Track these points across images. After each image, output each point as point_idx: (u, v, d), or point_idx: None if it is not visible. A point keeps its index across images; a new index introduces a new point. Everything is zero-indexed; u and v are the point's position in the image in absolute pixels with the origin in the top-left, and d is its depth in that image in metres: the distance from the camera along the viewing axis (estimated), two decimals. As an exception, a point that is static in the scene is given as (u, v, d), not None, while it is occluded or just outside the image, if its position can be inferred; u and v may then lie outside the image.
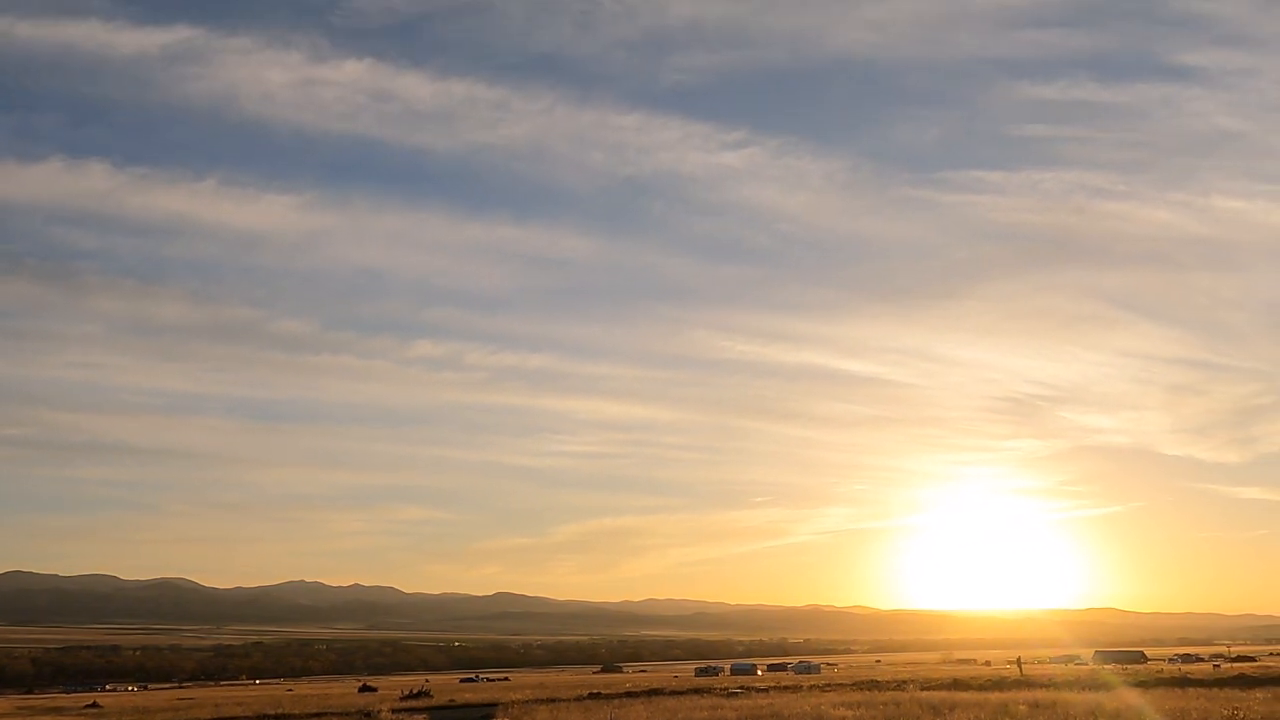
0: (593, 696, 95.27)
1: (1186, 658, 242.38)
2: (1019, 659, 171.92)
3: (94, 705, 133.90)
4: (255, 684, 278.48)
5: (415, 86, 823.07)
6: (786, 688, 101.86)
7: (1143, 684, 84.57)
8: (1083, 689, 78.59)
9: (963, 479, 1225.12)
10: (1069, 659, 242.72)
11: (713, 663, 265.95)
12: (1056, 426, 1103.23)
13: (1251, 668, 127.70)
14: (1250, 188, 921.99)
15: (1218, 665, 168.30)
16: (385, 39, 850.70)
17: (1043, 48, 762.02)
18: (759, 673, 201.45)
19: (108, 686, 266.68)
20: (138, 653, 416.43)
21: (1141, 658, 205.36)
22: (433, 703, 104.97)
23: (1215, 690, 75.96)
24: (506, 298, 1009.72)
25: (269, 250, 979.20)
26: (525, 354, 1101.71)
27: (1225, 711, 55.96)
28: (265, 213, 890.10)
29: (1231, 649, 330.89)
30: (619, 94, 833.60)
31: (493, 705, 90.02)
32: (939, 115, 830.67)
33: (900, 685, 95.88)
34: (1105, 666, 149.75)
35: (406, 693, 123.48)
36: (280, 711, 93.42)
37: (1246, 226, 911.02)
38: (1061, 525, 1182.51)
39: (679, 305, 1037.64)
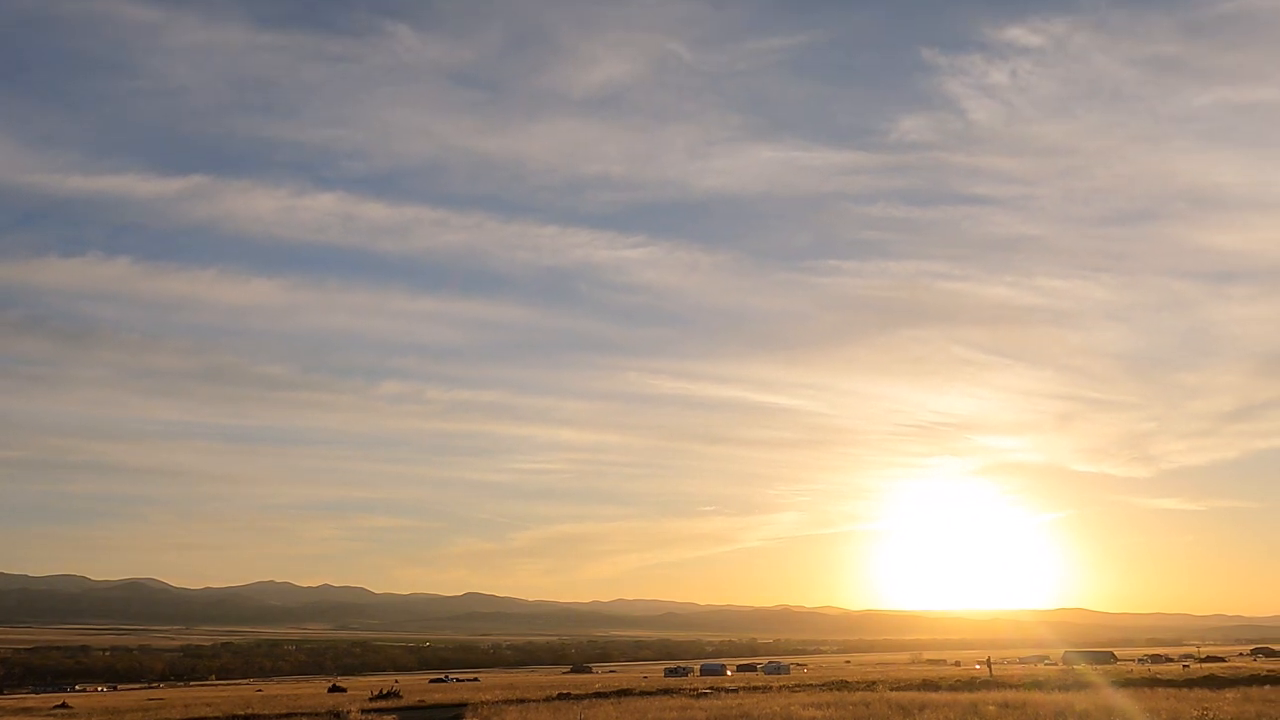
0: (562, 697, 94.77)
1: (1156, 658, 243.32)
2: (988, 659, 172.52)
3: (63, 706, 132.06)
4: (225, 684, 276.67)
5: (375, 211, 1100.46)
6: (756, 688, 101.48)
7: (1112, 684, 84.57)
8: (1052, 689, 78.57)
9: (898, 490, 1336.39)
10: (1038, 659, 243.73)
11: (682, 663, 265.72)
12: (970, 447, 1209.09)
13: (1221, 668, 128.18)
14: (1064, 272, 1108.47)
15: (1187, 666, 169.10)
16: (354, 181, 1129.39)
17: (865, 185, 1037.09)
18: (728, 673, 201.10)
19: (77, 687, 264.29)
20: (107, 653, 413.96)
21: (1111, 658, 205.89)
22: (402, 703, 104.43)
23: (1185, 690, 76.01)
24: (459, 349, 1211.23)
25: (255, 316, 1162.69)
26: (479, 390, 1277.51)
27: (1195, 712, 55.86)
28: (253, 291, 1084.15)
29: (1201, 650, 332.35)
30: (539, 216, 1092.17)
31: (462, 706, 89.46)
32: (800, 225, 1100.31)
33: (870, 685, 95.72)
34: (1075, 666, 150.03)
35: (376, 693, 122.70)
36: (250, 712, 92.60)
37: (1074, 299, 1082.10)
38: (1016, 529, 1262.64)
39: (610, 356, 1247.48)
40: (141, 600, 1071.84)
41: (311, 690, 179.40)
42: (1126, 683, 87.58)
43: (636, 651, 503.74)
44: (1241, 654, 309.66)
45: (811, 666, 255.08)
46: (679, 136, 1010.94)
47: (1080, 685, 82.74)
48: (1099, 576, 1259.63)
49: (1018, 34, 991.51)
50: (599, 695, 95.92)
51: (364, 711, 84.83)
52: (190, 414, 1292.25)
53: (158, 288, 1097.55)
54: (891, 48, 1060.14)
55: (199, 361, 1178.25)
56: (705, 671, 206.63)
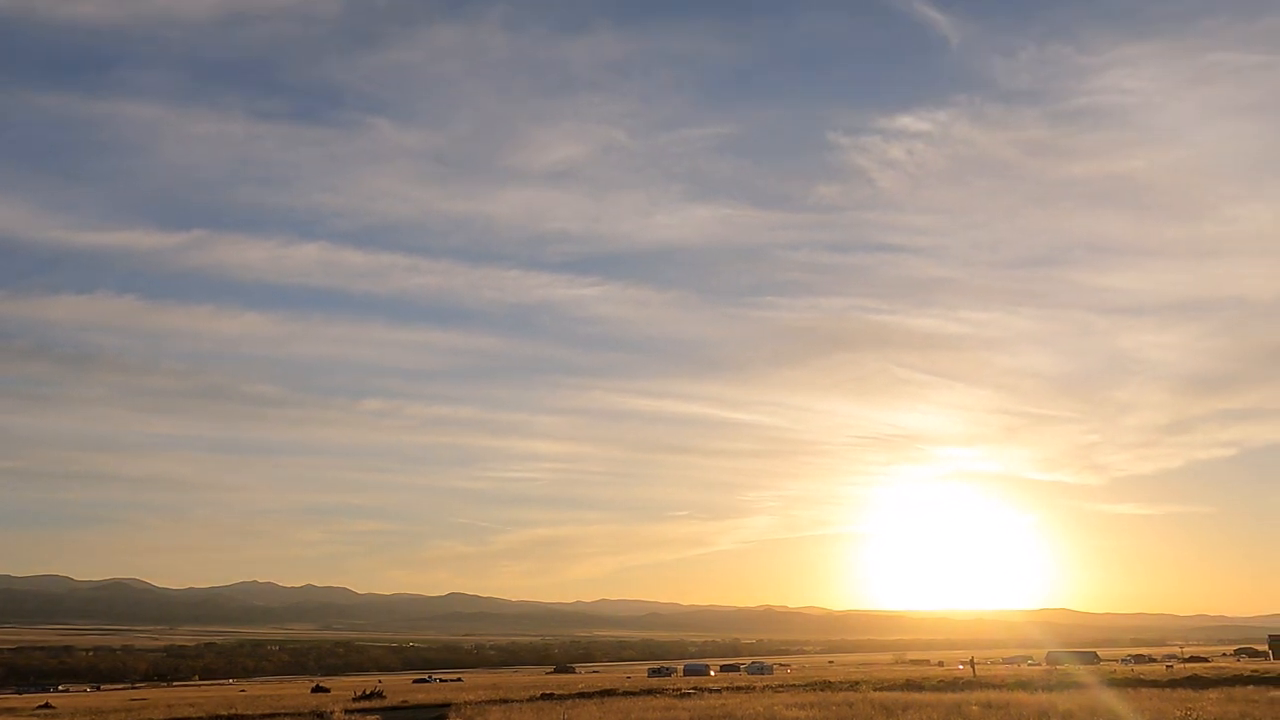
0: (545, 697, 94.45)
1: (1139, 658, 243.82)
2: (972, 660, 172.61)
3: (46, 706, 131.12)
4: (208, 685, 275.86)
5: (354, 258, 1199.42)
6: (740, 688, 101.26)
7: (1096, 685, 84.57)
8: (1036, 689, 78.56)
9: (867, 496, 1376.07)
10: (1022, 660, 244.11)
11: (666, 663, 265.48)
12: (928, 457, 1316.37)
13: (1204, 668, 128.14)
14: (985, 305, 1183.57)
15: (1170, 666, 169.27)
16: (337, 234, 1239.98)
17: (791, 237, 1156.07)
18: (712, 673, 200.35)
19: (60, 687, 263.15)
20: (90, 653, 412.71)
21: (1094, 658, 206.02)
22: (386, 703, 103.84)
23: (1168, 690, 76.04)
24: (436, 372, 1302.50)
25: (247, 344, 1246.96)
26: (456, 407, 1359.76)
27: (1179, 712, 55.81)
28: (245, 323, 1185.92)
29: (1184, 650, 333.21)
30: (504, 263, 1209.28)
31: (445, 706, 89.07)
32: (738, 270, 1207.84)
33: (853, 686, 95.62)
34: (1058, 667, 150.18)
35: (359, 693, 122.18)
36: (233, 712, 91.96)
37: (998, 328, 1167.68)
38: (994, 530, 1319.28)
39: (576, 377, 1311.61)
40: (125, 601, 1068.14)
41: (295, 690, 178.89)
42: (1110, 683, 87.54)
43: (620, 652, 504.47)
44: (1225, 654, 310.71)
45: (795, 667, 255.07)
46: (626, 201, 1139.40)
47: (1064, 685, 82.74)
48: (1079, 577, 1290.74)
49: (908, 121, 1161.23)
50: (582, 695, 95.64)
51: (347, 712, 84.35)
52: (183, 429, 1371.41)
53: (157, 320, 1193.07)
54: (802, 134, 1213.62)
55: (193, 382, 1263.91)
56: (689, 672, 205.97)
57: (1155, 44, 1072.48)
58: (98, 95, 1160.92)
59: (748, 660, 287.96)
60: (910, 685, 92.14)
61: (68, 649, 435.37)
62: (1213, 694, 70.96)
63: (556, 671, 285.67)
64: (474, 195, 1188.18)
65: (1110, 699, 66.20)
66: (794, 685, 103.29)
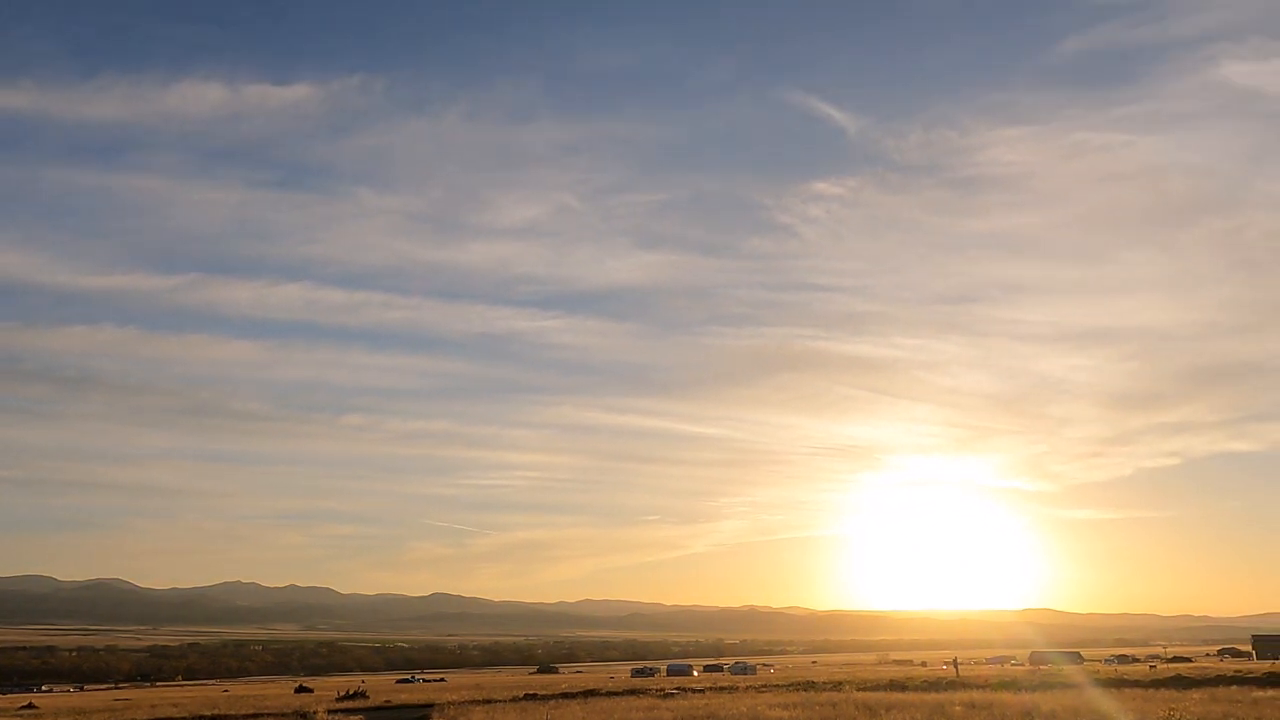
0: (529, 697, 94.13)
1: (1123, 658, 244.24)
2: (955, 660, 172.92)
3: (30, 706, 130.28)
4: (192, 685, 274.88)
5: (333, 295, 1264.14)
6: (723, 688, 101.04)
7: (1080, 685, 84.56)
8: (1019, 689, 78.52)
9: (832, 502, 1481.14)
10: (1005, 660, 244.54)
11: (649, 663, 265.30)
12: (888, 465, 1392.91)
13: (1188, 669, 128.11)
14: (916, 334, 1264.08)
15: (1154, 666, 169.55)
16: (319, 277, 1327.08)
17: (729, 279, 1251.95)
18: (695, 674, 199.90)
19: (44, 687, 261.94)
20: (74, 654, 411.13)
21: (1078, 658, 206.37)
22: (369, 703, 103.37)
23: (1152, 691, 75.96)
24: (412, 391, 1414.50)
25: (235, 368, 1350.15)
26: (431, 421, 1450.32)
27: (1162, 712, 55.62)
28: (233, 350, 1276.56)
29: (1168, 650, 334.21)
30: (472, 300, 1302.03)
31: (429, 706, 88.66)
32: (684, 306, 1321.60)
33: (837, 686, 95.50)
34: (1041, 667, 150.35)
35: (343, 693, 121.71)
36: (216, 712, 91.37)
37: (931, 353, 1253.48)
38: (977, 532, 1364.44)
39: (543, 395, 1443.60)
40: (108, 601, 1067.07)
41: (278, 691, 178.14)
42: (1094, 683, 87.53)
43: (603, 652, 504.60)
44: (1208, 654, 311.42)
45: (778, 667, 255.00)
46: (581, 251, 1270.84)
47: (1047, 685, 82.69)
48: (1061, 578, 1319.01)
49: (822, 187, 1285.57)
50: (566, 695, 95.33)
51: (331, 712, 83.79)
52: (174, 441, 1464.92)
53: (154, 348, 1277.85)
54: (730, 198, 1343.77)
55: (185, 400, 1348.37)
56: (672, 672, 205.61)
57: (1027, 129, 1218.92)
58: (112, 171, 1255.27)
59: (731, 660, 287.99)
60: (894, 685, 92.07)
61: (51, 649, 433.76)
62: (1196, 694, 70.92)
63: (540, 671, 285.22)
64: (446, 245, 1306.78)
65: (1094, 699, 66.13)
66: (777, 685, 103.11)
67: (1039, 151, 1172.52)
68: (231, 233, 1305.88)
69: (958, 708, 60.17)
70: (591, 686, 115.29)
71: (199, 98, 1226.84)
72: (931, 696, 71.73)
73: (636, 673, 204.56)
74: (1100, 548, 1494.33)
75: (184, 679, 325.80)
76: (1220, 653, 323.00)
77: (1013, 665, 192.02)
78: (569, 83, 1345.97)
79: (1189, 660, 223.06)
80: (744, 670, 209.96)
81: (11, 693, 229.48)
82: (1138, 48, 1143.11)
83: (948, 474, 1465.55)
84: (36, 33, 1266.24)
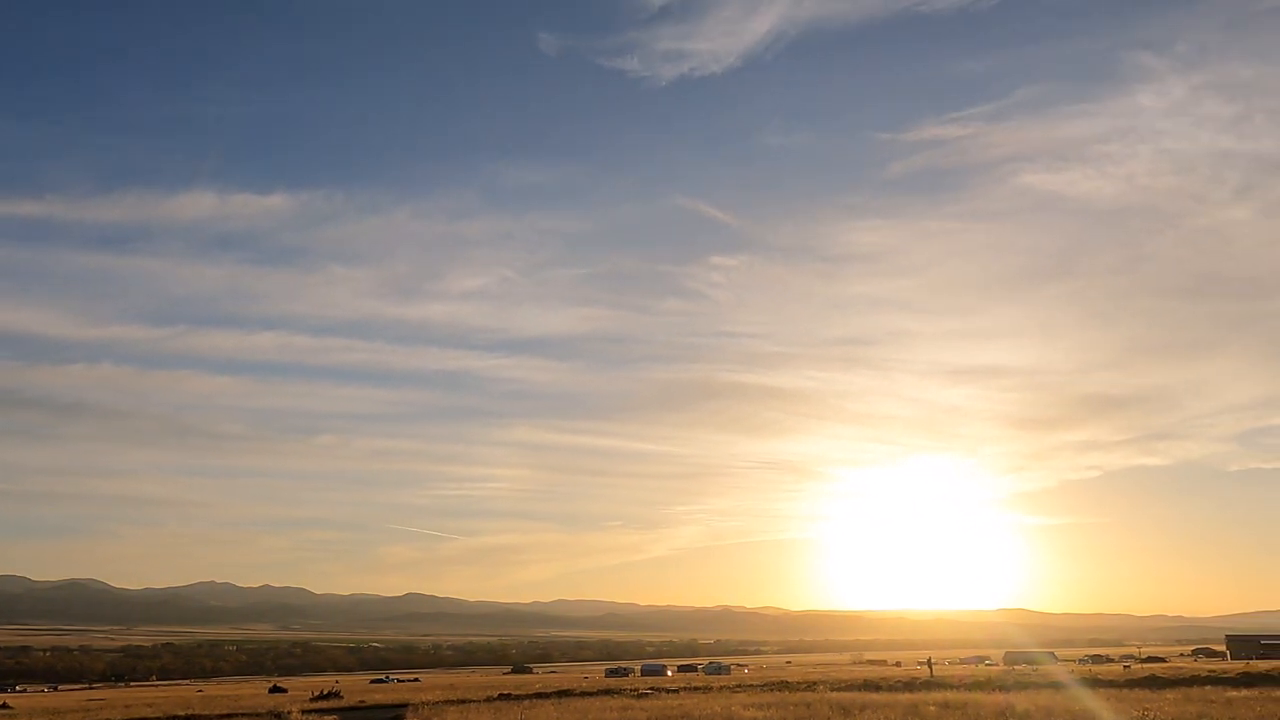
0: (503, 697, 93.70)
1: (1097, 658, 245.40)
2: (929, 660, 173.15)
3: (4, 706, 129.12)
4: (166, 685, 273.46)
5: (301, 341, 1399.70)
6: (697, 688, 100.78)
7: (1055, 685, 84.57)
8: (993, 690, 78.48)
9: (785, 509, 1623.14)
10: (979, 660, 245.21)
11: (623, 664, 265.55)
12: (831, 477, 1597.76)
13: (1162, 669, 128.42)
14: (824, 368, 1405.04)
15: (1128, 666, 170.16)
16: (289, 329, 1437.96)
17: (649, 331, 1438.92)
18: (669, 674, 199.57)
19: (18, 687, 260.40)
20: (48, 654, 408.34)
21: (1052, 658, 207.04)
22: (343, 704, 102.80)
23: (1125, 691, 75.89)
24: (378, 416, 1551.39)
25: (218, 397, 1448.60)
26: (397, 440, 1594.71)
27: (1136, 712, 55.56)
28: (216, 385, 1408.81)
29: (1142, 650, 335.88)
30: (429, 344, 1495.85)
31: (403, 706, 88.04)
32: (612, 351, 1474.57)
33: (811, 686, 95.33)
34: (1015, 667, 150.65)
35: (317, 694, 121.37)
36: (190, 712, 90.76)
37: (842, 384, 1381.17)
38: (950, 531, 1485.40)
39: (499, 418, 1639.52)
40: (82, 601, 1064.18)
41: (252, 691, 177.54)
42: (1069, 682, 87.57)
43: (577, 652, 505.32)
44: (1182, 654, 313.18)
45: (752, 667, 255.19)
46: (523, 310, 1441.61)
47: (1021, 685, 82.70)
48: (1038, 577, 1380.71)
49: (719, 260, 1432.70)
50: (540, 695, 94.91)
51: (304, 712, 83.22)
52: (157, 458, 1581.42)
53: (145, 382, 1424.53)
54: (645, 270, 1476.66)
55: (170, 424, 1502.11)
56: (646, 672, 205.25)
57: (879, 220, 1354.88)
58: (120, 255, 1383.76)
59: (705, 660, 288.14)
60: (868, 685, 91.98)
61: (25, 649, 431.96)
62: (1170, 694, 70.94)
63: (514, 672, 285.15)
64: (405, 304, 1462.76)
65: (1067, 699, 66.05)
66: (752, 685, 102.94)
67: (894, 235, 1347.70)
68: (220, 296, 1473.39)
69: (932, 708, 59.97)
70: (566, 687, 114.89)
71: (194, 204, 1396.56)
72: (905, 697, 71.56)
73: (611, 673, 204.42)
74: (1060, 549, 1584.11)
75: (158, 679, 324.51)
76: (1195, 653, 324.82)
77: (987, 666, 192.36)
78: (500, 193, 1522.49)
79: (1163, 660, 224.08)
80: (719, 670, 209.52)
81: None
82: (952, 169, 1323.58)
83: (888, 484, 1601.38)
84: (62, 156, 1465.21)
